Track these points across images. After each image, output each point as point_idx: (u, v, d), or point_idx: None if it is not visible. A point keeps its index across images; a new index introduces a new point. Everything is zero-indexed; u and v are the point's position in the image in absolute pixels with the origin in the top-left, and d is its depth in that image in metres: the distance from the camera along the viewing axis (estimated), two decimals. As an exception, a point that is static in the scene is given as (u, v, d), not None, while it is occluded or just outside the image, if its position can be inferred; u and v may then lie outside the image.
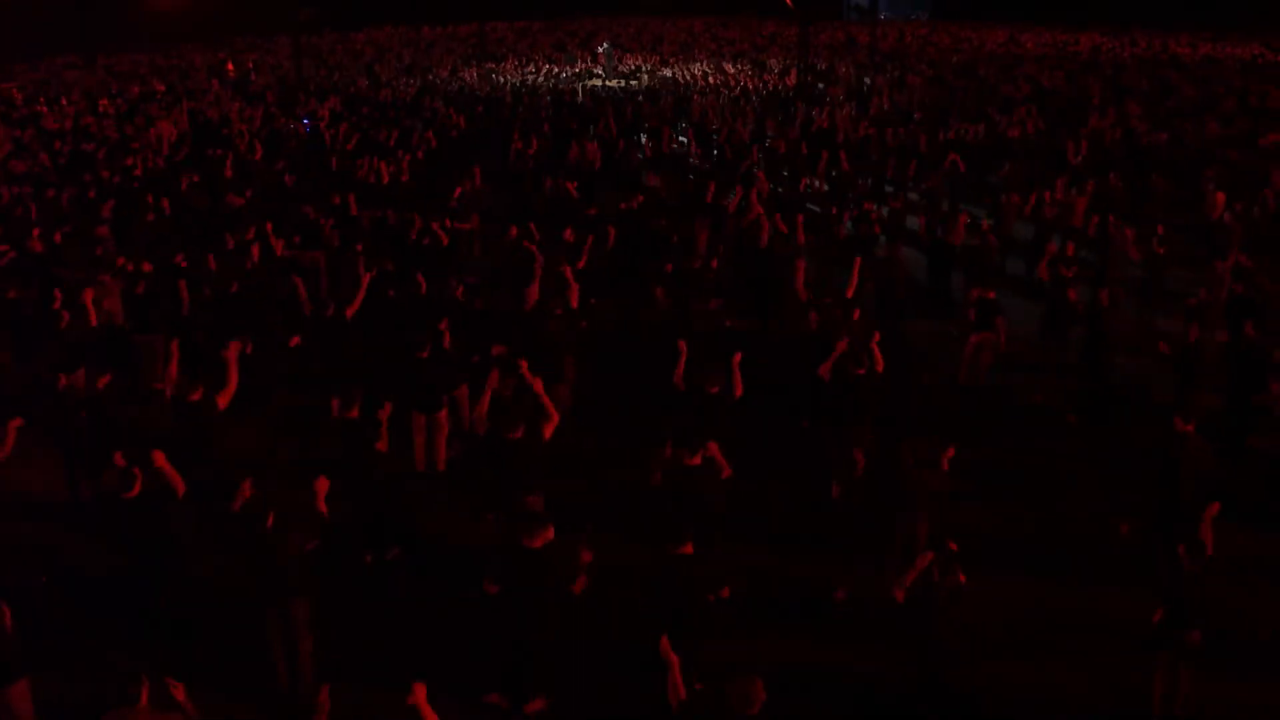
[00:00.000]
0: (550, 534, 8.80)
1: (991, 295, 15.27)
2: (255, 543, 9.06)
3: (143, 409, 14.59)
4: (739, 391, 11.66)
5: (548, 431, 10.65)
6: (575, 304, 14.13)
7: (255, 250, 17.39)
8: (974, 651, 8.95)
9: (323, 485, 9.60)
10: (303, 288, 14.89)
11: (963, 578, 8.39)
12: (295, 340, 13.82)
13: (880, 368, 12.21)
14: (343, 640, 9.78)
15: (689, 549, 8.58)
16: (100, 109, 38.03)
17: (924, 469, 10.06)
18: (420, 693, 6.70)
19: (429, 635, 10.02)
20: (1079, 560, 11.20)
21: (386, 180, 22.83)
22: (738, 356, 11.72)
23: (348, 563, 10.98)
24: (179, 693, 7.04)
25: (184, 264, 16.72)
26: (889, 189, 24.32)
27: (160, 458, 9.84)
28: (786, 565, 10.97)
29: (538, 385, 10.98)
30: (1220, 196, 20.16)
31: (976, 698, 8.99)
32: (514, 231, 17.59)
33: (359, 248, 17.17)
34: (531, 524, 8.77)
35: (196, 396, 11.67)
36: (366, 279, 14.45)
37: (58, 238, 19.42)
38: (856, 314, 13.80)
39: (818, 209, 21.80)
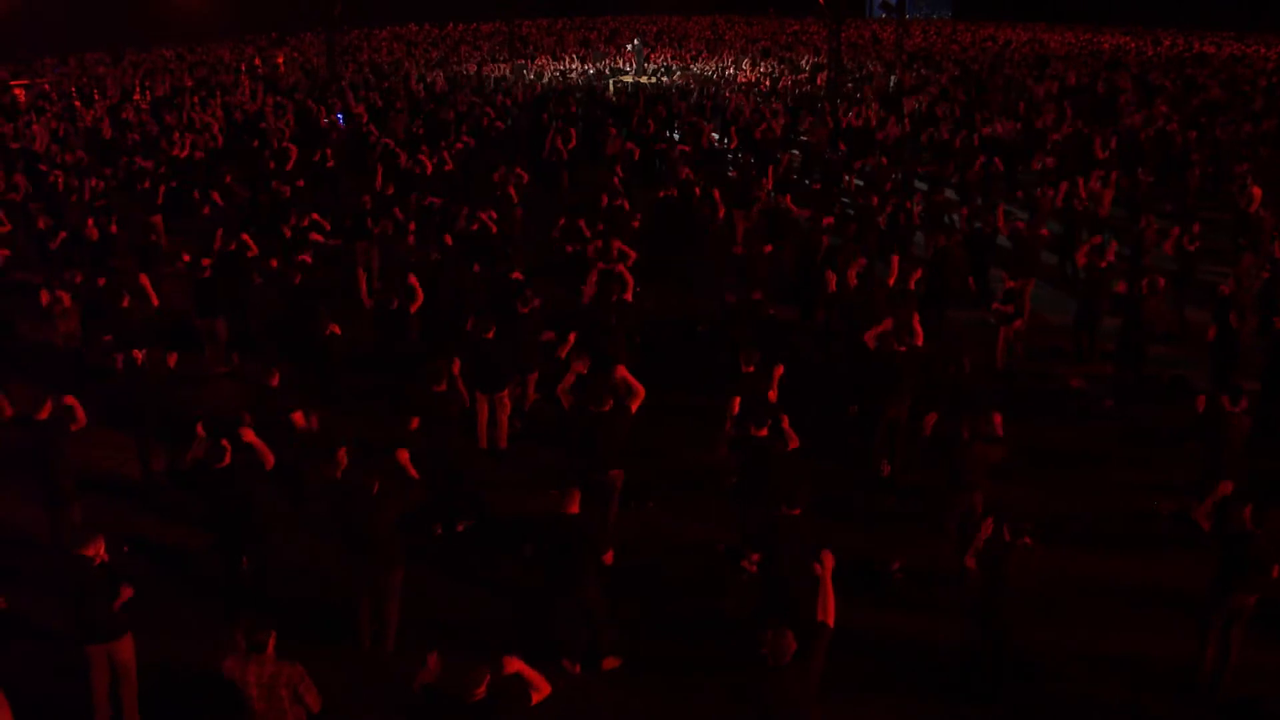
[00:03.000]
0: (578, 497, 9.26)
1: (1013, 284, 15.63)
2: (359, 510, 9.48)
3: (210, 389, 15.15)
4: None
5: (634, 406, 11.11)
6: (630, 293, 14.52)
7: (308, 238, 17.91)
8: (1030, 617, 9.31)
9: (404, 454, 10.10)
10: (363, 280, 15.35)
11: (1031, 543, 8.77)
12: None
13: (920, 342, 12.67)
14: (419, 609, 10.15)
15: (798, 511, 9.00)
16: (134, 102, 38.58)
17: (981, 443, 10.43)
18: (513, 664, 7.07)
19: (499, 604, 10.44)
20: (1122, 534, 11.61)
21: (430, 171, 23.29)
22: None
23: (419, 535, 11.41)
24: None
25: (242, 251, 17.21)
26: (923, 185, 24.65)
27: (249, 432, 10.32)
28: (842, 539, 11.32)
29: (621, 369, 11.39)
30: (1258, 191, 20.45)
31: (1032, 661, 9.37)
32: (562, 221, 18.06)
33: (410, 237, 17.63)
34: (567, 491, 9.21)
35: (274, 381, 12.13)
36: (415, 276, 14.86)
37: (113, 228, 19.93)
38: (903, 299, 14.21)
39: (855, 204, 22.14)
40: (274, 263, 16.35)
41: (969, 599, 9.39)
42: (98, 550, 8.52)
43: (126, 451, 13.38)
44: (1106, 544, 11.42)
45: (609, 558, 9.59)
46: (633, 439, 11.90)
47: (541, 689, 7.06)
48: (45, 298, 15.56)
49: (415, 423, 11.40)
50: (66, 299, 15.67)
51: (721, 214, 19.49)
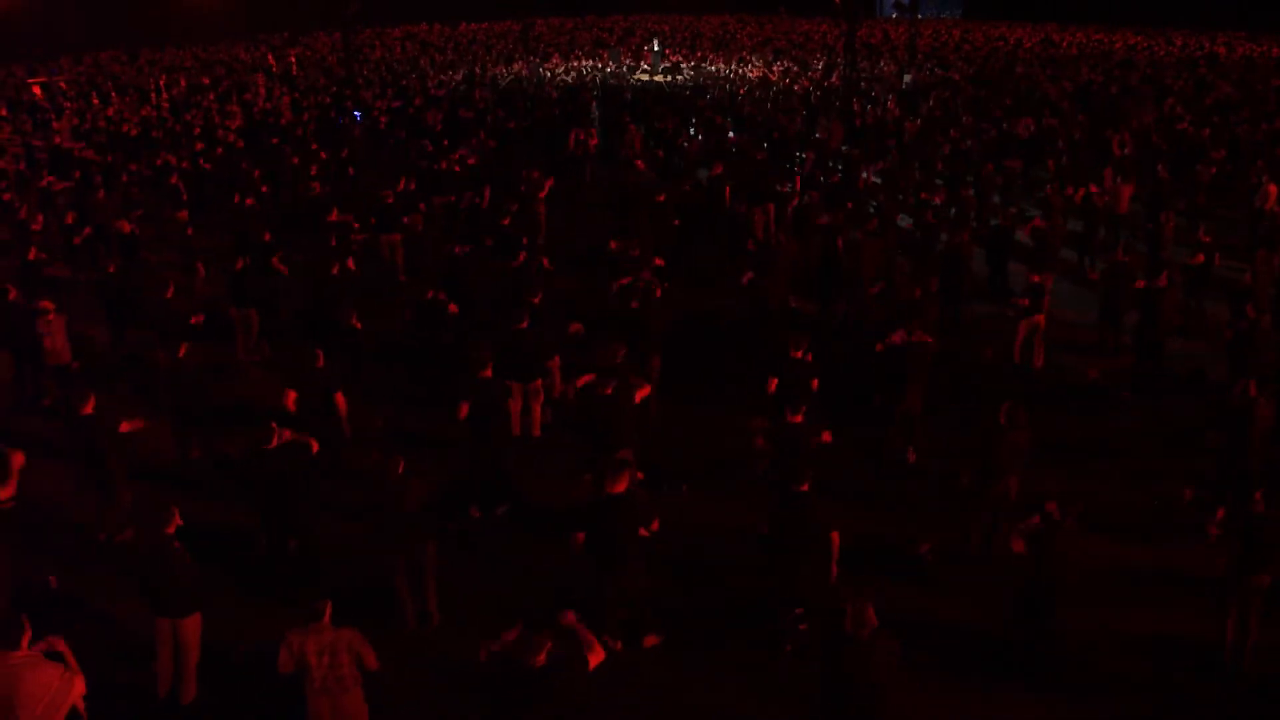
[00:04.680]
0: (629, 479, 9.49)
1: (1035, 279, 15.90)
2: (387, 491, 9.78)
3: (243, 377, 15.47)
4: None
5: (639, 395, 11.49)
6: (660, 283, 14.79)
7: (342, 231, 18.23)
8: (1060, 597, 9.55)
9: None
10: (402, 269, 15.68)
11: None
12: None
13: (930, 338, 12.93)
14: (461, 590, 10.46)
15: (805, 487, 9.25)
16: (152, 101, 38.90)
17: (1016, 430, 10.68)
18: (569, 617, 7.35)
19: (540, 584, 10.68)
20: (1143, 520, 11.87)
21: (454, 168, 23.58)
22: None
23: (458, 518, 11.72)
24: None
25: (272, 245, 17.52)
26: (939, 182, 24.89)
27: (340, 397, 10.62)
28: (871, 524, 11.61)
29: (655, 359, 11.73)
30: (1273, 188, 20.69)
31: (1062, 640, 9.62)
32: (588, 218, 18.39)
33: (441, 229, 17.95)
34: (615, 470, 9.46)
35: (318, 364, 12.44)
36: (456, 267, 15.14)
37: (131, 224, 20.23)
38: (917, 292, 14.46)
39: (873, 201, 22.41)
40: (301, 256, 16.62)
41: (1009, 579, 9.64)
42: (176, 528, 8.87)
43: (164, 439, 13.62)
44: (1128, 529, 11.68)
45: (656, 525, 9.82)
46: (662, 427, 12.17)
47: (597, 652, 7.34)
48: (41, 325, 15.01)
49: (465, 410, 11.59)
50: (50, 311, 15.19)
51: (742, 210, 19.76)
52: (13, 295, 14.99)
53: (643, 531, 9.63)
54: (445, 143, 27.29)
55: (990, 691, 9.27)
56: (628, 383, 11.37)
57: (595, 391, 11.43)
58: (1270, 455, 11.65)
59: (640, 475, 12.00)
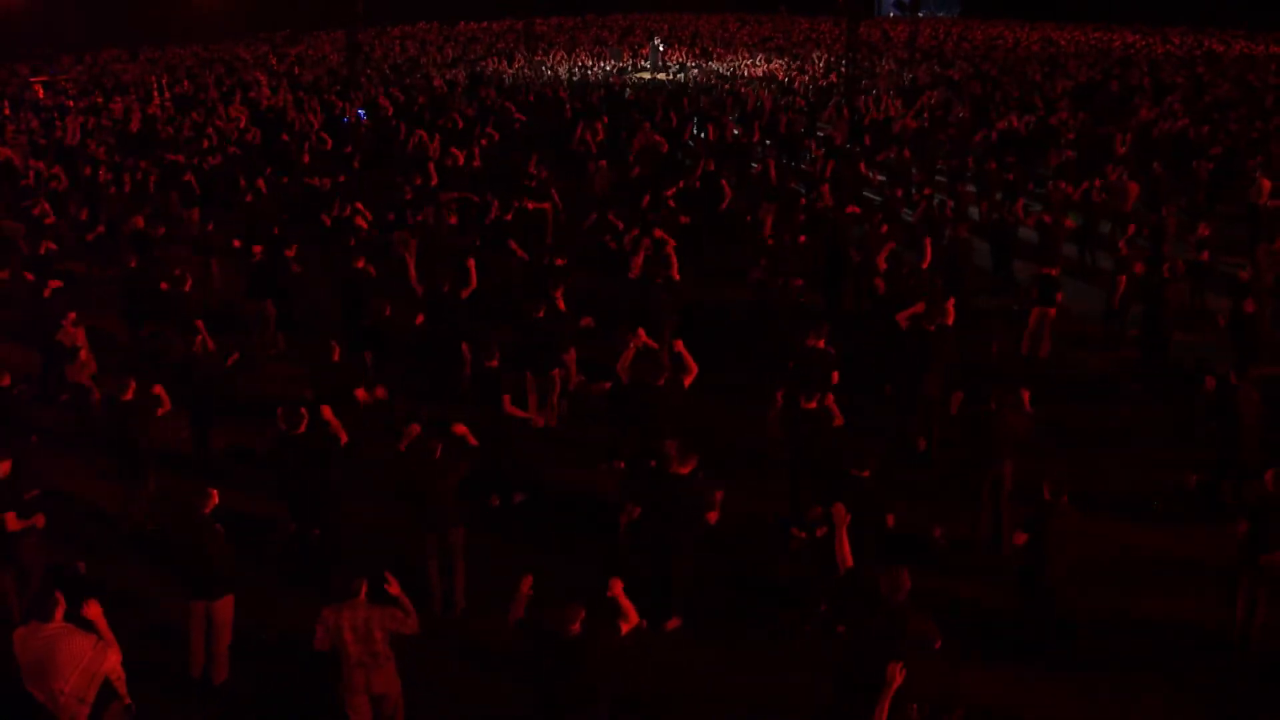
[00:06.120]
0: (695, 463, 9.68)
1: (1045, 271, 16.13)
2: (421, 475, 10.00)
3: (260, 370, 15.71)
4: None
5: (687, 381, 11.71)
6: (675, 275, 15.02)
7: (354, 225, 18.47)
8: (1068, 580, 9.78)
9: (461, 427, 10.59)
10: (412, 266, 15.89)
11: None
12: (420, 318, 14.64)
13: (950, 321, 13.13)
14: (485, 575, 10.59)
15: (868, 473, 9.47)
16: (156, 99, 39.01)
17: (1009, 414, 10.91)
18: (618, 586, 7.60)
19: (563, 566, 10.88)
20: (1153, 505, 12.12)
21: (461, 163, 23.80)
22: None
23: (476, 506, 11.87)
24: (394, 588, 7.98)
25: (288, 239, 17.73)
26: (941, 178, 25.15)
27: (328, 410, 10.81)
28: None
29: (679, 344, 11.94)
30: (1267, 183, 20.95)
31: (1070, 621, 9.85)
32: (594, 215, 18.63)
33: (454, 223, 18.18)
34: (682, 452, 9.66)
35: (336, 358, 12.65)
36: (472, 261, 15.32)
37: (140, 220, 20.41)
38: (935, 282, 14.70)
39: (876, 196, 22.67)
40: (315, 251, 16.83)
41: (1013, 562, 9.87)
42: (213, 509, 9.12)
43: (182, 430, 13.80)
44: (1135, 515, 11.93)
45: (713, 517, 10.03)
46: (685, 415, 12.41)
47: (631, 619, 7.57)
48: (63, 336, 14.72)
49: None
50: (73, 323, 14.73)
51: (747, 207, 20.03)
52: (47, 294, 15.18)
53: (710, 517, 9.87)
54: (452, 138, 27.45)
55: (1002, 671, 9.49)
56: (678, 377, 11.56)
57: (643, 380, 11.64)
58: (1263, 440, 11.92)
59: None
